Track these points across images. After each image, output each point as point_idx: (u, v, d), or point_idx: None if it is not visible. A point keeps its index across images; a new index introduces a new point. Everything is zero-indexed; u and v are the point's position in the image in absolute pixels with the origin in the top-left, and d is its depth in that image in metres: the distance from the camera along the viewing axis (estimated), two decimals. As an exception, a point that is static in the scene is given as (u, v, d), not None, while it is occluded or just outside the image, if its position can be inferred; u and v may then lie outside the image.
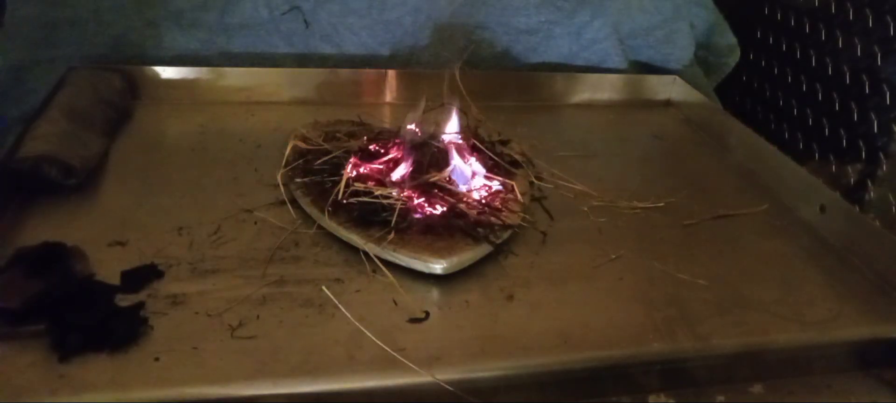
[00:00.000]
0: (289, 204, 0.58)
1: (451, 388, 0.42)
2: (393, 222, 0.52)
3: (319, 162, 0.61)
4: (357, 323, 0.45)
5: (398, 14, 0.85)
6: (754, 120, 0.96)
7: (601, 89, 0.89)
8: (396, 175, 0.58)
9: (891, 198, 0.73)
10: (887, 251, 0.56)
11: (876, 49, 0.75)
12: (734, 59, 0.99)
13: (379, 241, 0.51)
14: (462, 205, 0.55)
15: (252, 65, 0.82)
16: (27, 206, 0.55)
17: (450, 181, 0.58)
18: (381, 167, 0.60)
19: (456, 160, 0.59)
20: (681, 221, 0.62)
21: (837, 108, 0.81)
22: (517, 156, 0.67)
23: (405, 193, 0.55)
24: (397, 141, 0.62)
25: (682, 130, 0.85)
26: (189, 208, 0.57)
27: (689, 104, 0.88)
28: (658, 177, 0.71)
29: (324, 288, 0.49)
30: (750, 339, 0.49)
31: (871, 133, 0.76)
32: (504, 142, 0.70)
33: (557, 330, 0.47)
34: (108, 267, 0.49)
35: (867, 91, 0.77)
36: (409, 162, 0.58)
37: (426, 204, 0.55)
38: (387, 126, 0.70)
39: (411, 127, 0.62)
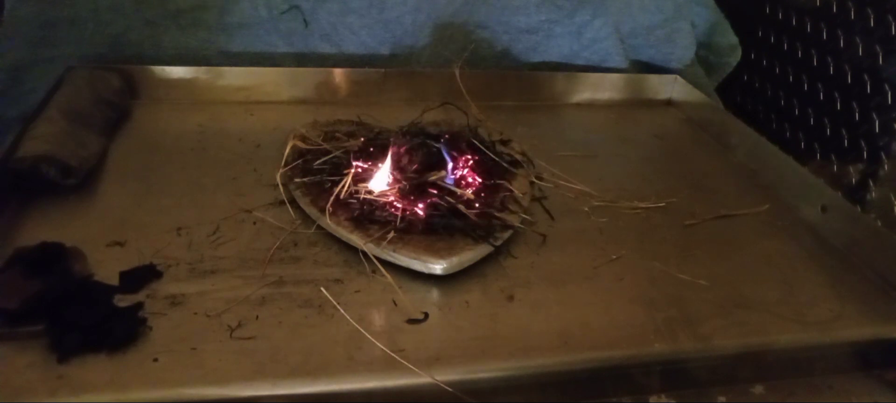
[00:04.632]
0: (288, 205, 0.58)
1: (450, 389, 0.42)
2: (398, 220, 0.52)
3: (319, 162, 0.60)
4: (356, 324, 0.45)
5: (398, 13, 0.85)
6: (755, 119, 0.96)
7: (602, 89, 0.89)
8: (387, 176, 0.57)
9: (892, 198, 0.73)
10: (889, 251, 0.56)
11: (877, 48, 0.75)
12: (735, 58, 0.99)
13: (378, 241, 0.51)
14: (461, 206, 0.55)
15: (251, 64, 0.81)
16: (26, 206, 0.55)
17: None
18: (380, 167, 0.59)
19: (450, 161, 0.58)
20: (682, 221, 0.62)
21: (839, 108, 0.81)
22: (517, 156, 0.67)
23: (400, 194, 0.55)
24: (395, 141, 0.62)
25: (683, 130, 0.85)
26: (188, 208, 0.57)
27: (691, 104, 0.88)
28: (659, 177, 0.71)
29: (323, 289, 0.48)
30: (751, 340, 0.49)
31: (873, 133, 0.75)
32: (504, 142, 0.69)
33: (558, 331, 0.47)
34: (107, 268, 0.48)
35: (869, 90, 0.76)
36: (407, 162, 0.58)
37: (425, 205, 0.55)
38: (386, 126, 0.69)
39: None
